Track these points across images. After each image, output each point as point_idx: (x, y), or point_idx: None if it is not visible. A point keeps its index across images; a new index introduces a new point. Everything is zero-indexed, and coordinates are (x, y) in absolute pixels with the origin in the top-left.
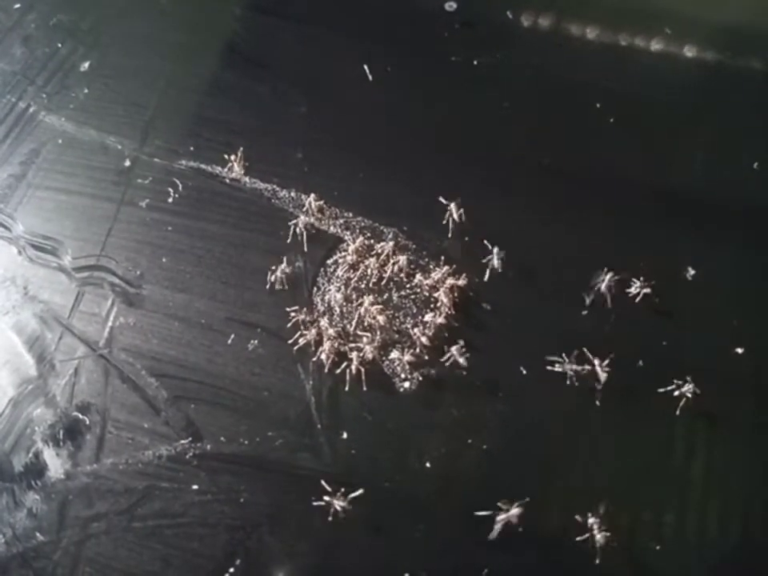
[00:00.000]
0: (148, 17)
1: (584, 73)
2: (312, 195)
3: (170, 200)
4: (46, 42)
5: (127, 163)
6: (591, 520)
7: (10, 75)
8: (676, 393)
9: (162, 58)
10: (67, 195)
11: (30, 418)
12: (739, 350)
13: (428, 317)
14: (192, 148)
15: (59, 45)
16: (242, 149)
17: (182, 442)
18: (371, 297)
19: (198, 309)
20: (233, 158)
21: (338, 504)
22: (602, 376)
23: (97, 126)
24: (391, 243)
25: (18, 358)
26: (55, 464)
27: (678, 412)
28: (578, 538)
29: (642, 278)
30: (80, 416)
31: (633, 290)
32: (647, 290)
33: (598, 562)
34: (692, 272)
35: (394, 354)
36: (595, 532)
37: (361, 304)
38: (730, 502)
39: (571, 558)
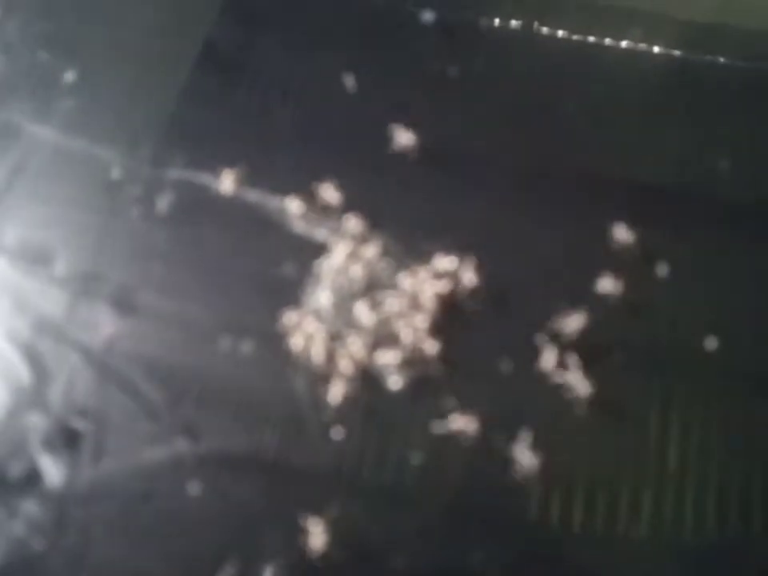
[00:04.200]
0: (133, 24)
1: (559, 74)
2: (299, 200)
3: (161, 209)
4: (28, 50)
5: (116, 173)
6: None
7: None
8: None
9: (149, 66)
10: (56, 206)
11: (25, 426)
12: (712, 346)
13: (416, 317)
14: (181, 156)
15: (42, 53)
16: (238, 167)
17: (180, 445)
18: (360, 298)
19: (192, 314)
20: (227, 173)
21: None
22: (579, 376)
23: (83, 136)
24: (379, 245)
25: (11, 367)
26: (53, 472)
27: (653, 405)
28: (556, 525)
29: (613, 275)
30: (76, 422)
31: (604, 287)
32: (619, 287)
33: (576, 549)
34: (664, 268)
35: (384, 354)
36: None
37: (350, 306)
38: (705, 491)
39: (549, 545)
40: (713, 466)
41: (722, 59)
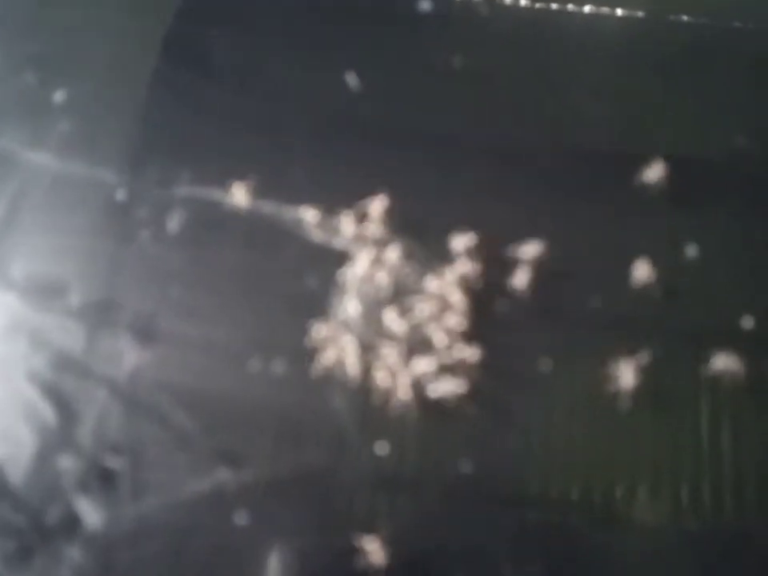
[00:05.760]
0: (120, 40)
1: (558, 58)
2: (314, 210)
3: (171, 229)
4: (14, 73)
5: (121, 195)
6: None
7: None
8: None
9: (141, 82)
10: (62, 235)
11: (58, 469)
12: (749, 325)
13: (448, 320)
14: (186, 173)
15: (29, 75)
16: (247, 179)
17: (219, 472)
18: (388, 306)
19: (216, 336)
20: (238, 187)
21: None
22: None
23: (82, 159)
24: (401, 249)
25: (36, 409)
26: (92, 514)
27: (695, 389)
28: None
29: (646, 260)
30: (110, 461)
31: (638, 273)
32: (652, 272)
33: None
34: (694, 249)
35: (419, 361)
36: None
37: (379, 314)
38: (746, 474)
39: (610, 542)
40: (755, 447)
41: (685, 17)
